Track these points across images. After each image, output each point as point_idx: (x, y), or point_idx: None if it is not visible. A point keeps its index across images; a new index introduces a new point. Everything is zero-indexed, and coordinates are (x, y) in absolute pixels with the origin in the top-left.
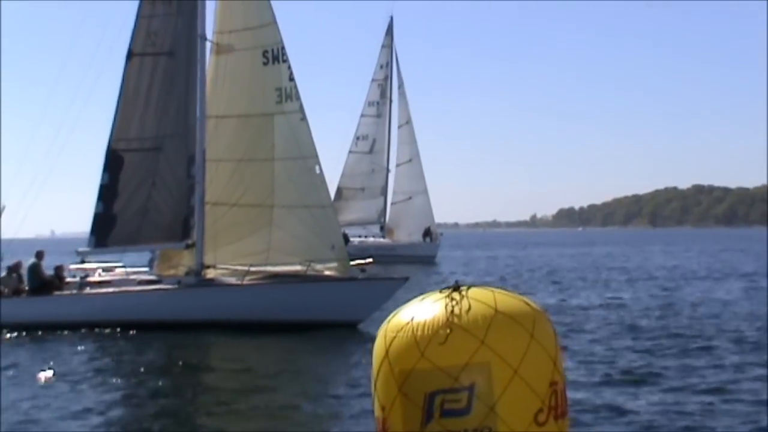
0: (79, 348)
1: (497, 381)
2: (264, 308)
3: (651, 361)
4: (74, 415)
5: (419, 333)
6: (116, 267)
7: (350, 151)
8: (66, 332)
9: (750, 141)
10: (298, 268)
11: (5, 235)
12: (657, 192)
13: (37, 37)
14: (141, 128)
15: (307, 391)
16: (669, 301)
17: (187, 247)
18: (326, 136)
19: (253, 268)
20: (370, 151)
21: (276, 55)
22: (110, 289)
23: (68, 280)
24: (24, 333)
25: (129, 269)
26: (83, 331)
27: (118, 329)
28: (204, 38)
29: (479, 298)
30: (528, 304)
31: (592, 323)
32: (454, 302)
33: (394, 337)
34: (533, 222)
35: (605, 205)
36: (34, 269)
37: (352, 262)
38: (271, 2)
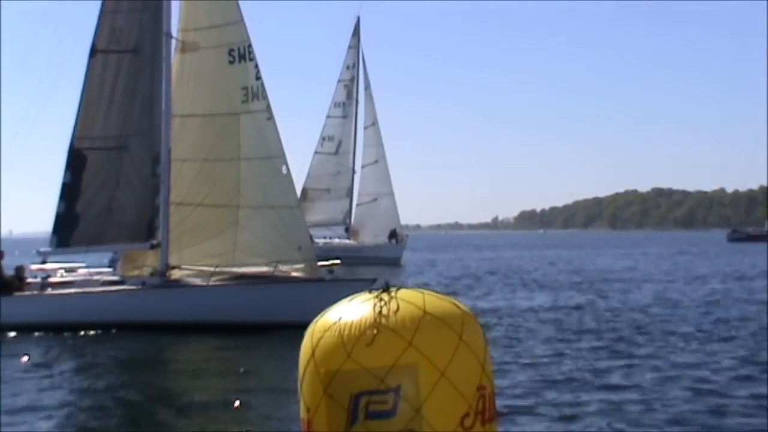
0: (40, 350)
1: (424, 383)
2: (230, 309)
3: (593, 363)
4: (30, 417)
5: (346, 333)
6: (78, 267)
7: (316, 152)
8: (27, 334)
9: (709, 145)
10: (264, 269)
11: None
12: (617, 195)
13: None
14: (105, 127)
15: (263, 391)
16: (614, 305)
17: (152, 247)
18: (291, 137)
19: (219, 269)
20: (336, 152)
21: (242, 54)
22: (73, 290)
23: (29, 280)
24: None
25: (92, 270)
26: (45, 333)
27: (81, 331)
28: (170, 36)
29: (408, 299)
30: (457, 306)
31: (550, 326)
32: (382, 303)
33: (321, 338)
34: (495, 224)
35: (566, 207)
36: None
37: (319, 263)
38: (239, 1)
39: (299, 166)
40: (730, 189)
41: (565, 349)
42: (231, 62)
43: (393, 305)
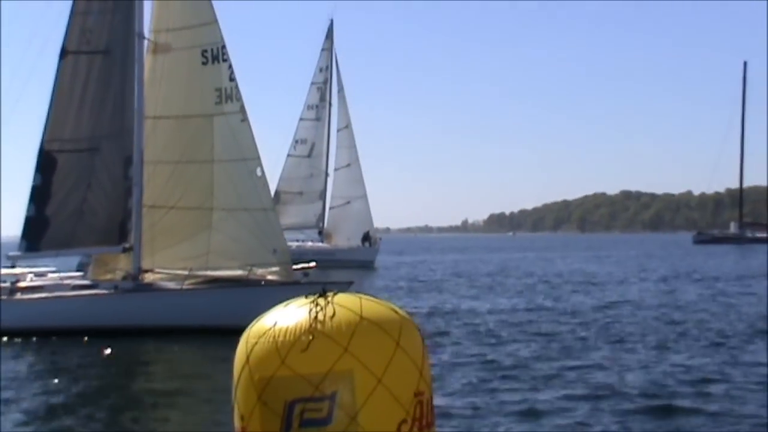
0: (9, 356)
1: (360, 390)
2: (204, 313)
3: (549, 363)
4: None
5: (281, 339)
6: (48, 272)
7: (289, 155)
8: None
9: (676, 149)
10: (239, 272)
11: None
12: (586, 198)
13: None
14: (76, 129)
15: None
16: (576, 306)
17: (125, 250)
18: (264, 139)
19: (192, 273)
20: (309, 155)
21: (216, 55)
22: (43, 295)
23: None
24: None
25: (62, 274)
26: (13, 339)
27: (53, 336)
28: (142, 36)
29: (345, 304)
30: (395, 311)
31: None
32: (318, 308)
33: (255, 344)
34: (465, 227)
35: (535, 210)
36: None
37: (294, 266)
38: (213, 1)
39: (272, 169)
40: (696, 192)
41: (512, 350)
42: (204, 63)
43: (329, 310)
